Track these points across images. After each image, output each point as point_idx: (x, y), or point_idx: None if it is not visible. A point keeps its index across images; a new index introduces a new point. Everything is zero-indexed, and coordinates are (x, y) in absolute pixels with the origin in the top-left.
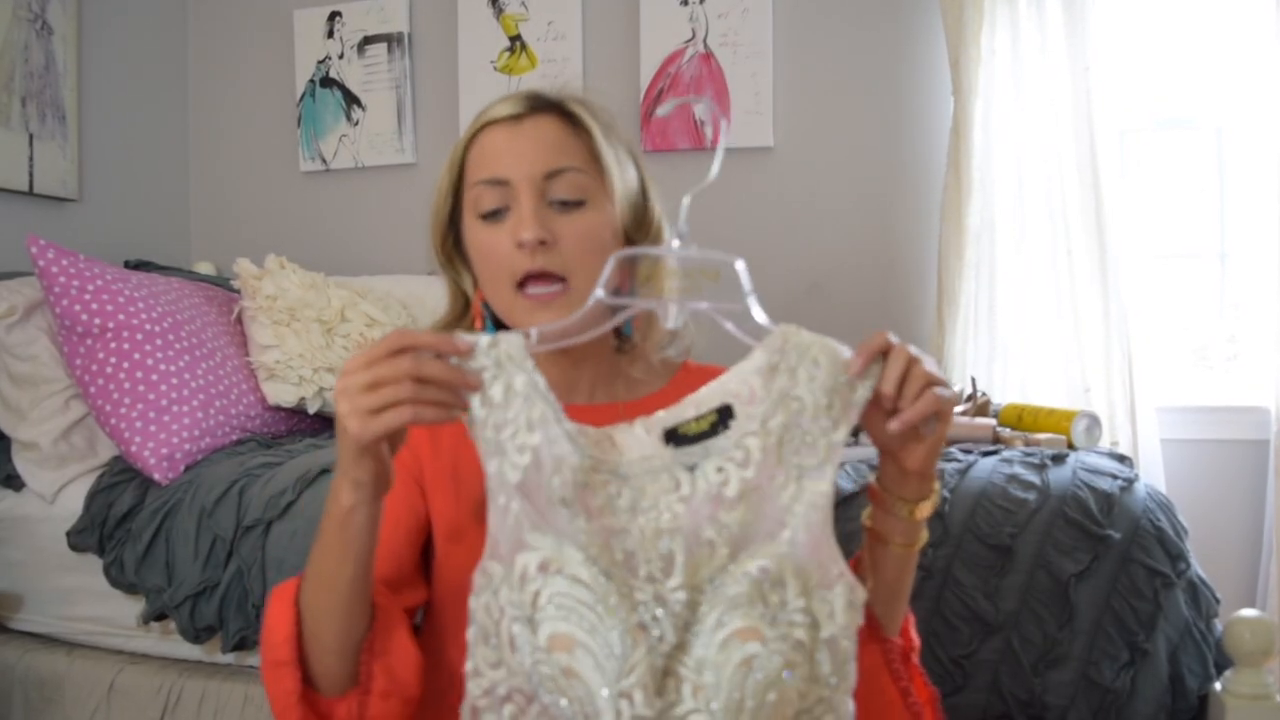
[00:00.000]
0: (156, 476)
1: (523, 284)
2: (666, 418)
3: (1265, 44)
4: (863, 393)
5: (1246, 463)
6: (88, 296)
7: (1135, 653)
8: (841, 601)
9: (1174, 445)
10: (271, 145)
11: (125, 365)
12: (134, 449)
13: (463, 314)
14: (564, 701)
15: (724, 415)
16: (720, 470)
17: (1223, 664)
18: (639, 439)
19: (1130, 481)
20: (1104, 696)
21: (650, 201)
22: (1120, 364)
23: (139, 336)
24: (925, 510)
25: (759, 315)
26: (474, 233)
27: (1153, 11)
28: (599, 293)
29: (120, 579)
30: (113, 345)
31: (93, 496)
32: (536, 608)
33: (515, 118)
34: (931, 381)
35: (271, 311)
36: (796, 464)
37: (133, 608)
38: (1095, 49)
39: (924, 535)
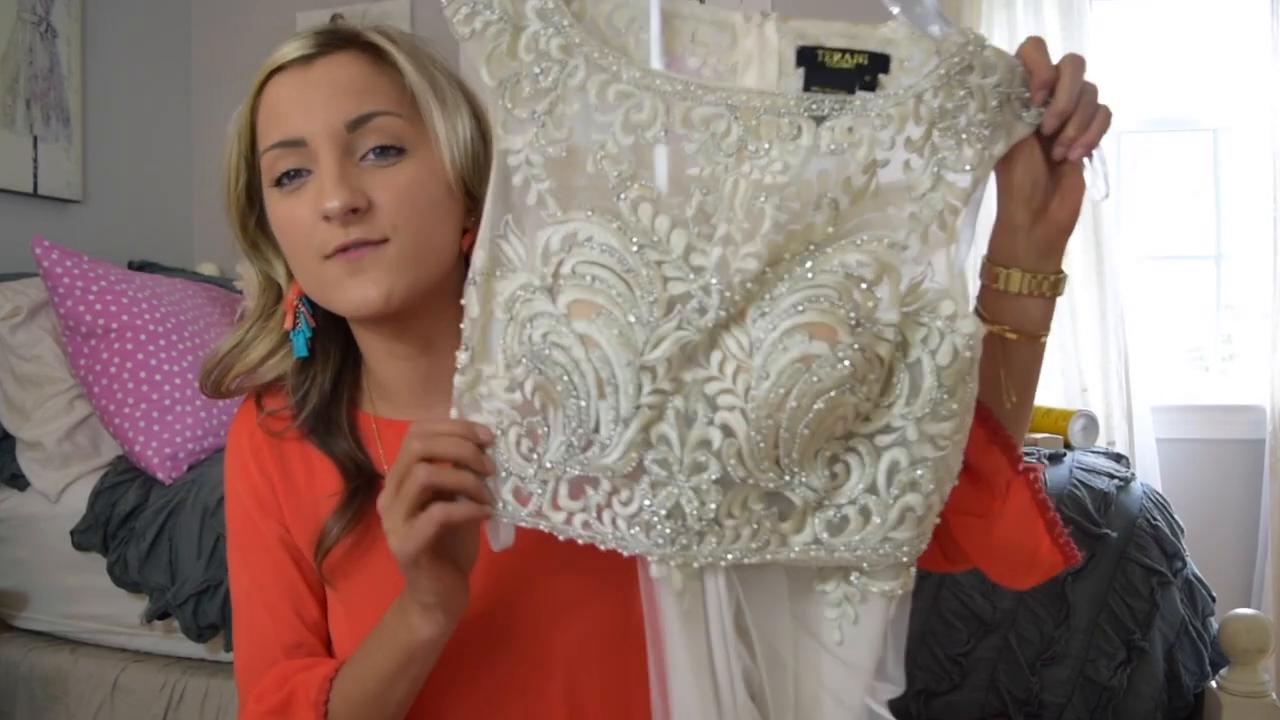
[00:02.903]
0: (160, 476)
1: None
2: (807, 29)
3: (1261, 47)
4: (1029, 119)
5: (1242, 462)
6: (91, 297)
7: (1132, 651)
8: (940, 322)
9: (1170, 445)
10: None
11: (129, 365)
12: (137, 448)
13: (273, 309)
14: (577, 377)
15: (876, 65)
16: (852, 131)
17: (1219, 662)
18: (765, 50)
19: (1127, 481)
20: (1101, 694)
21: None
22: (1117, 364)
23: (142, 337)
24: (1062, 285)
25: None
26: (272, 207)
27: (1149, 15)
28: None
29: (124, 578)
30: (116, 346)
31: (96, 496)
32: (559, 277)
33: (304, 59)
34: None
35: None
36: (941, 157)
37: (136, 606)
38: (1092, 52)
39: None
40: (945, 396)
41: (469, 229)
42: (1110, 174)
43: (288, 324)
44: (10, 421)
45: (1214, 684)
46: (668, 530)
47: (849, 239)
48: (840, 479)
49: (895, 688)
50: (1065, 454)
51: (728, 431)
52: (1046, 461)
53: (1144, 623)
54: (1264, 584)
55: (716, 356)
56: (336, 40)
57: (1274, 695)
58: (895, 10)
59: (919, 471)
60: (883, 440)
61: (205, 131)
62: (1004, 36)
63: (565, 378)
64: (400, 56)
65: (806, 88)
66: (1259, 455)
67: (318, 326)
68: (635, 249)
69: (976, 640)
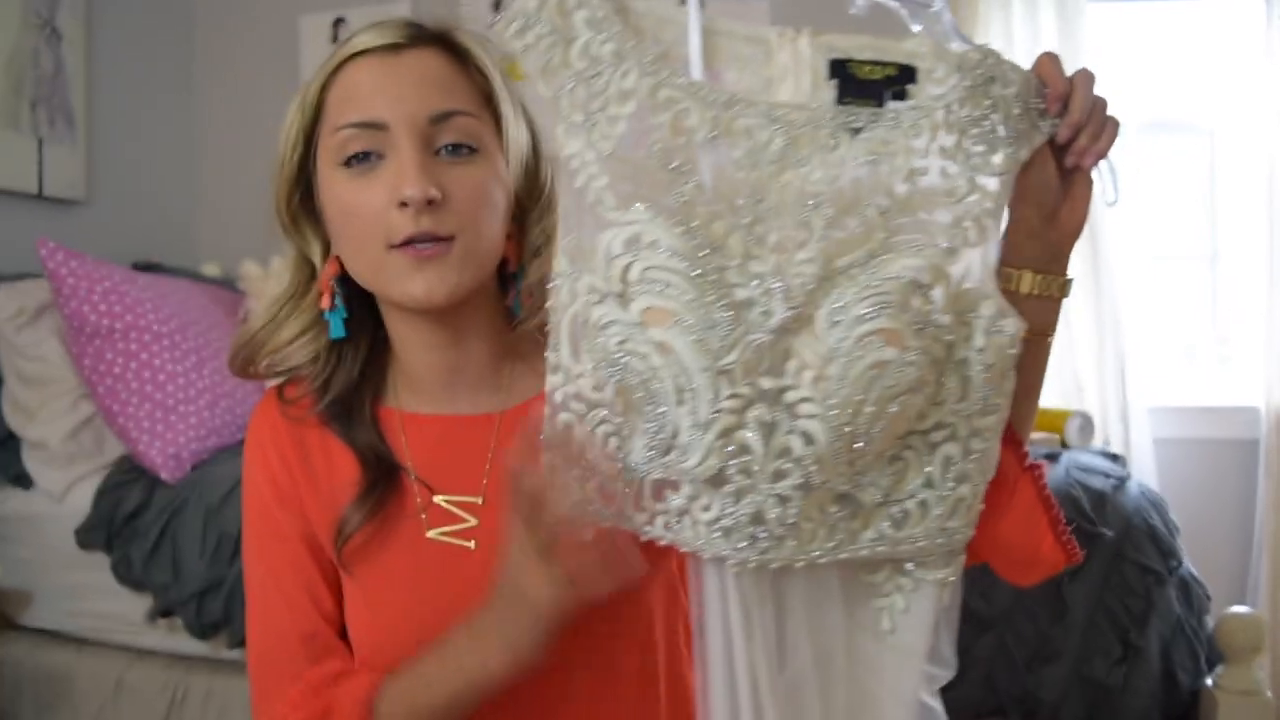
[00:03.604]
0: (163, 475)
1: (399, 244)
2: (837, 43)
3: (1255, 49)
4: (1045, 128)
5: (1237, 461)
6: (96, 298)
7: (1128, 649)
8: (983, 323)
9: (1166, 444)
10: (277, 149)
11: (133, 365)
12: (141, 448)
13: (307, 287)
14: (655, 384)
15: (904, 76)
16: (887, 142)
17: (1214, 660)
18: (799, 64)
19: (1122, 480)
20: (1097, 692)
21: (542, 162)
22: (1113, 364)
23: (146, 337)
24: (1069, 287)
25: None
26: (335, 186)
27: (1145, 17)
28: None
29: (128, 576)
30: (120, 346)
31: (101, 495)
32: (628, 283)
33: (392, 48)
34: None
35: None
36: (974, 163)
37: (140, 605)
38: (1089, 54)
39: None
40: (991, 392)
41: (510, 235)
42: (1119, 180)
43: (324, 304)
44: (15, 421)
45: (1209, 682)
46: (749, 534)
47: (902, 245)
48: (900, 476)
49: (948, 672)
50: (1061, 453)
51: (808, 439)
52: (1046, 460)
53: (1140, 621)
54: (1259, 583)
55: (794, 365)
56: (425, 35)
57: (1269, 693)
58: (916, 28)
59: (970, 464)
60: (936, 436)
61: (209, 133)
62: (1000, 39)
63: (644, 385)
64: (486, 60)
65: (839, 98)
66: (1253, 455)
67: (350, 312)
68: (702, 254)
69: (973, 638)
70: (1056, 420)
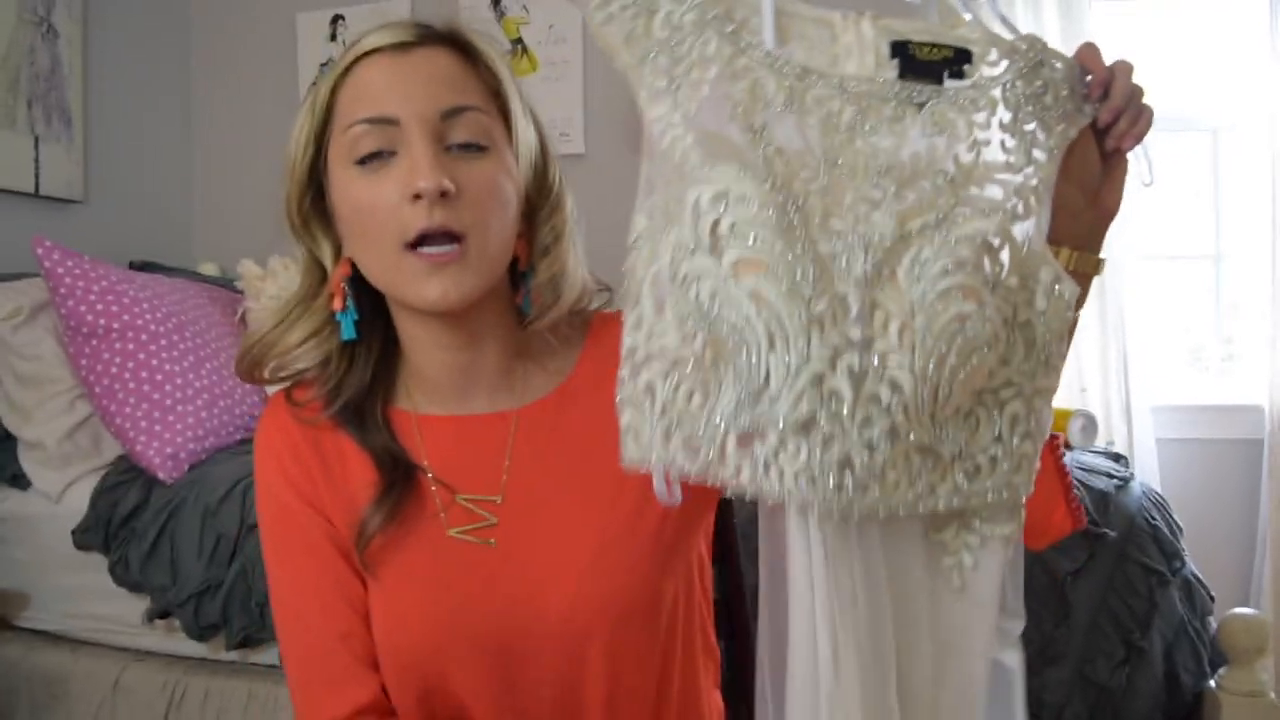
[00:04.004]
0: (161, 476)
1: (413, 243)
2: (896, 26)
3: (1260, 47)
4: (1088, 111)
5: (1241, 462)
6: (93, 297)
7: (1131, 650)
8: (1043, 287)
9: (1169, 444)
10: (275, 146)
11: (130, 365)
12: (138, 448)
13: (318, 289)
14: (748, 332)
15: (960, 58)
16: (950, 116)
17: (1217, 661)
18: (862, 45)
19: (1126, 480)
20: (1100, 694)
21: (550, 161)
22: (1116, 364)
23: (143, 337)
24: (1102, 266)
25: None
26: (347, 184)
27: (1149, 15)
28: None
29: (125, 577)
30: (117, 345)
31: (98, 495)
32: (718, 236)
33: (402, 46)
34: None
35: None
36: (1031, 138)
37: (137, 606)
38: None
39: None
40: (1051, 354)
41: (520, 234)
42: (1153, 164)
43: (336, 305)
44: (11, 421)
45: (1213, 683)
46: (833, 482)
47: (973, 209)
48: (974, 431)
49: (1018, 623)
50: (1065, 453)
51: (895, 387)
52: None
53: (1143, 622)
54: (1262, 584)
55: (880, 316)
56: (433, 34)
57: (1273, 695)
58: (968, 16)
59: (1032, 421)
60: (1005, 394)
61: (206, 131)
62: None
63: (737, 333)
64: (495, 58)
65: (901, 77)
66: (1258, 455)
67: (360, 314)
68: (788, 207)
69: None
70: (1059, 420)
